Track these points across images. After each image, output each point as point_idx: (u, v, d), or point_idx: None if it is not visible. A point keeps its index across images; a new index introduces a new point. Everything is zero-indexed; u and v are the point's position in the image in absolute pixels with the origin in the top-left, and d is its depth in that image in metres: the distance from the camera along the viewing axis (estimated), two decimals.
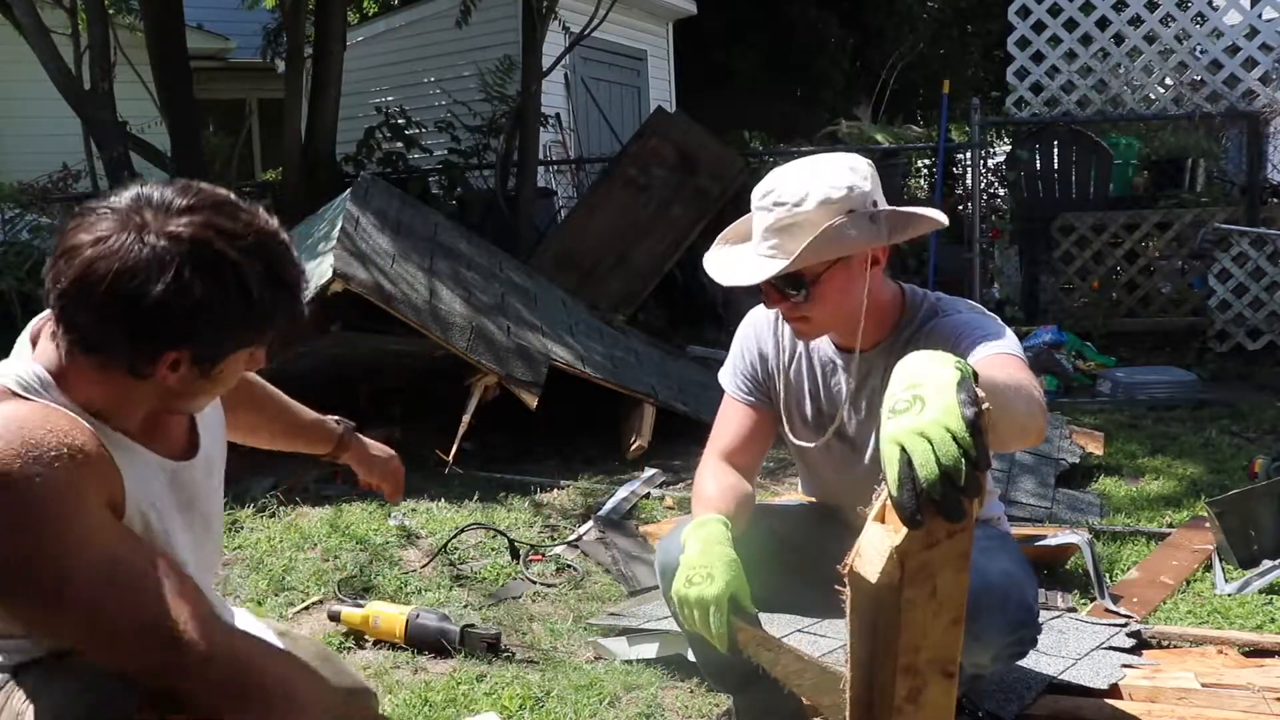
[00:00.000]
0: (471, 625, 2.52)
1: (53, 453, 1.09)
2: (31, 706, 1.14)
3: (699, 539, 1.60)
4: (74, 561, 1.08)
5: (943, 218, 1.74)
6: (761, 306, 1.95)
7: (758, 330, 1.95)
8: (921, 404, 1.09)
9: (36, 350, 1.22)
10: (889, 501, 1.09)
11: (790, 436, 1.96)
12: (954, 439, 1.05)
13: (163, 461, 1.28)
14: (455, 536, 3.20)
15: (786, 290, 1.70)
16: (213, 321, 1.15)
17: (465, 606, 2.77)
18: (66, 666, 1.18)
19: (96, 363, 1.17)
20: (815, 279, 1.68)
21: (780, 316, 1.90)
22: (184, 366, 1.18)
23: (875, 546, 1.12)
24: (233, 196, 1.21)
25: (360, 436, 1.86)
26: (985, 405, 1.10)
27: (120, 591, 1.11)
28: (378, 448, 1.89)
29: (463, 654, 2.43)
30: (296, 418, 1.81)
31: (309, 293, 3.91)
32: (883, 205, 1.69)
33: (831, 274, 1.69)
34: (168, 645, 1.11)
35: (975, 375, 1.15)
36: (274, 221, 1.23)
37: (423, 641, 2.47)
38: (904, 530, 1.07)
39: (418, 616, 2.49)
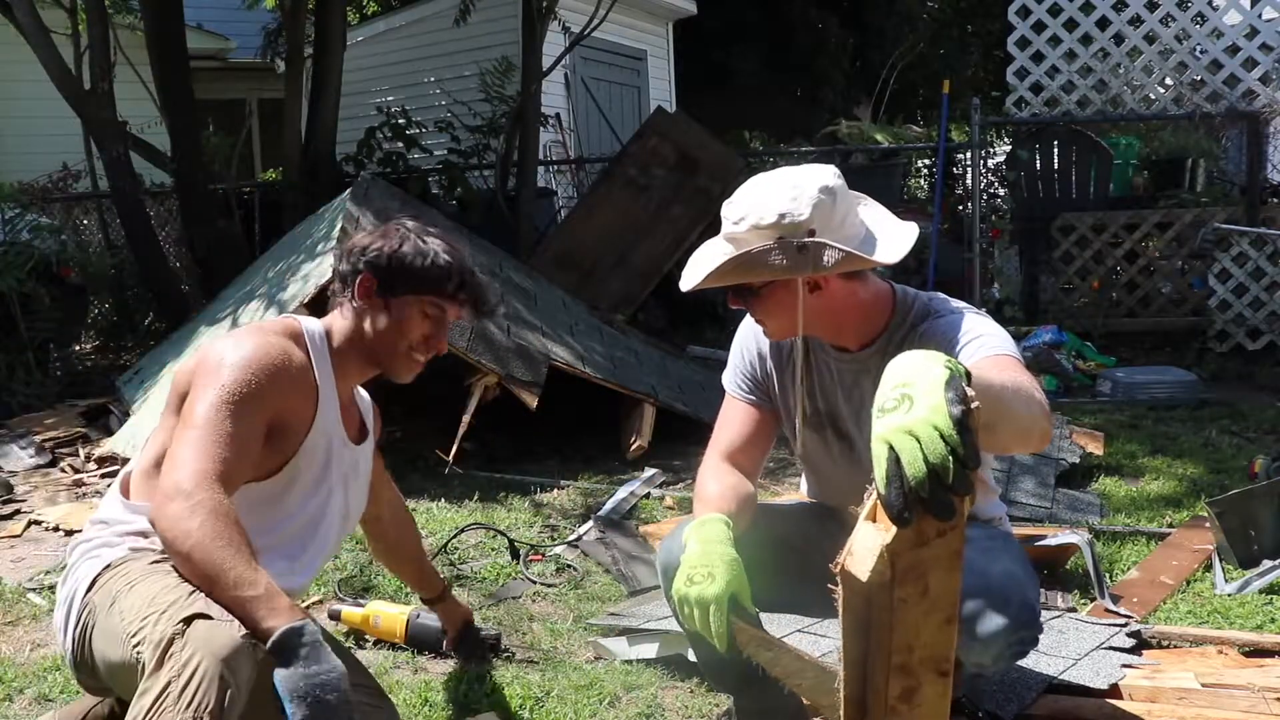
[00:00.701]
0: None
1: (275, 362, 1.66)
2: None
3: (700, 538, 1.60)
4: (223, 408, 1.57)
5: (890, 258, 1.67)
6: None
7: (757, 331, 1.96)
8: (910, 402, 1.09)
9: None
10: (878, 500, 1.09)
11: (790, 435, 1.96)
12: (942, 437, 1.05)
13: (343, 433, 1.85)
14: (455, 537, 3.20)
15: (737, 296, 1.78)
16: (391, 263, 1.79)
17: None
18: None
19: (343, 300, 1.83)
20: (755, 292, 1.74)
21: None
22: (371, 290, 1.79)
23: (866, 545, 1.12)
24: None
25: (449, 605, 2.40)
26: (975, 404, 1.10)
27: (210, 446, 1.52)
28: (462, 609, 2.42)
29: (464, 654, 2.42)
30: (424, 558, 2.40)
31: (307, 294, 3.88)
32: (826, 234, 1.64)
33: (770, 290, 1.73)
34: (174, 503, 1.45)
35: (968, 375, 1.15)
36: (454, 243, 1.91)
37: (423, 642, 2.46)
38: (894, 529, 1.07)
39: (418, 616, 2.47)
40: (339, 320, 1.83)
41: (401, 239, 1.82)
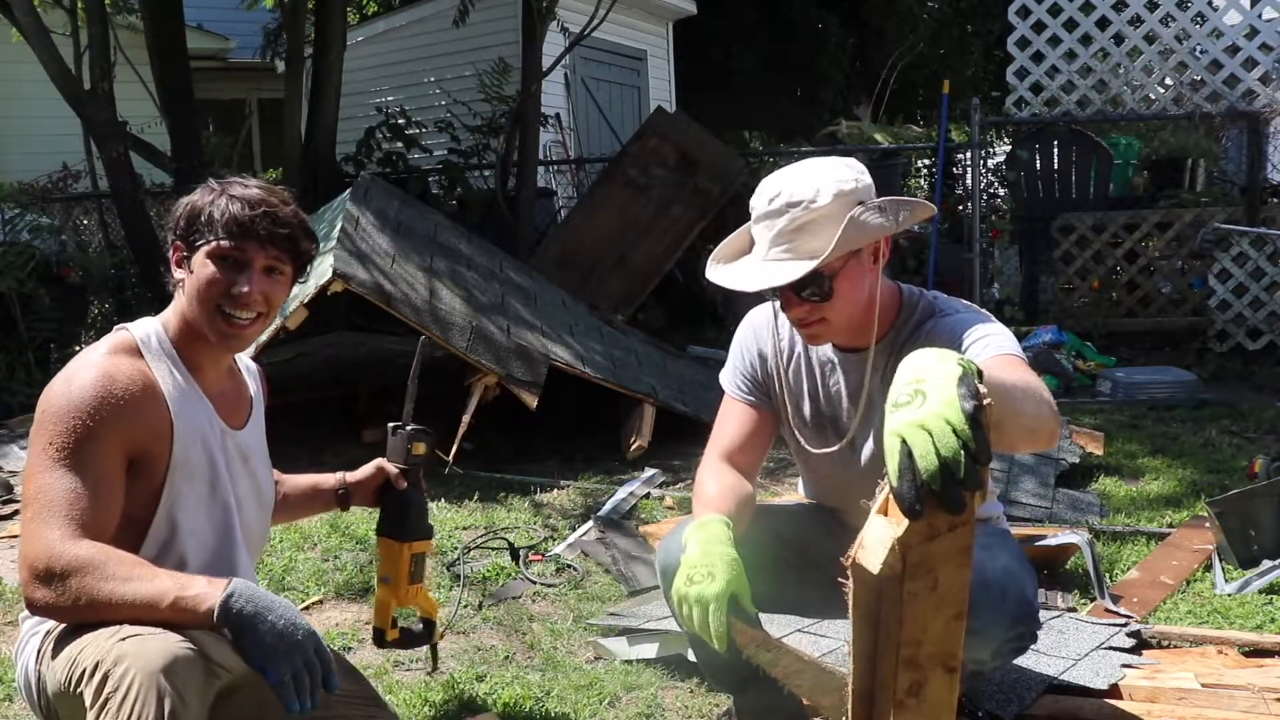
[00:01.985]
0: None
1: (99, 394, 1.51)
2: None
3: (700, 539, 1.60)
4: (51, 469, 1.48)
5: (933, 206, 1.78)
6: (760, 308, 1.95)
7: (757, 331, 1.96)
8: (923, 398, 1.10)
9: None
10: (890, 493, 1.10)
11: (790, 435, 1.96)
12: (954, 431, 1.07)
13: (223, 425, 1.69)
14: (466, 552, 3.19)
15: (808, 292, 1.70)
16: (183, 221, 1.63)
17: (465, 606, 2.77)
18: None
19: (175, 288, 1.66)
20: (833, 276, 1.69)
21: (777, 317, 1.91)
22: (181, 258, 1.63)
23: (877, 538, 1.13)
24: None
25: (352, 482, 2.01)
26: (987, 400, 1.11)
27: (56, 512, 1.44)
28: (367, 474, 2.00)
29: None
30: (312, 487, 2.05)
31: (307, 294, 3.87)
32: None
33: (847, 269, 1.70)
34: (40, 591, 1.42)
35: (980, 373, 1.16)
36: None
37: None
38: (905, 522, 1.08)
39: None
40: (169, 315, 1.67)
41: (192, 197, 1.65)
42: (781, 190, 1.69)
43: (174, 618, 1.37)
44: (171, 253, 1.66)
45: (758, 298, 1.82)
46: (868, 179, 1.71)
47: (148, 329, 1.65)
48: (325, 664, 1.38)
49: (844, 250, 1.66)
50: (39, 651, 1.52)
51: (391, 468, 1.96)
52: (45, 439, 1.49)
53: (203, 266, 1.60)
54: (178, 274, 1.65)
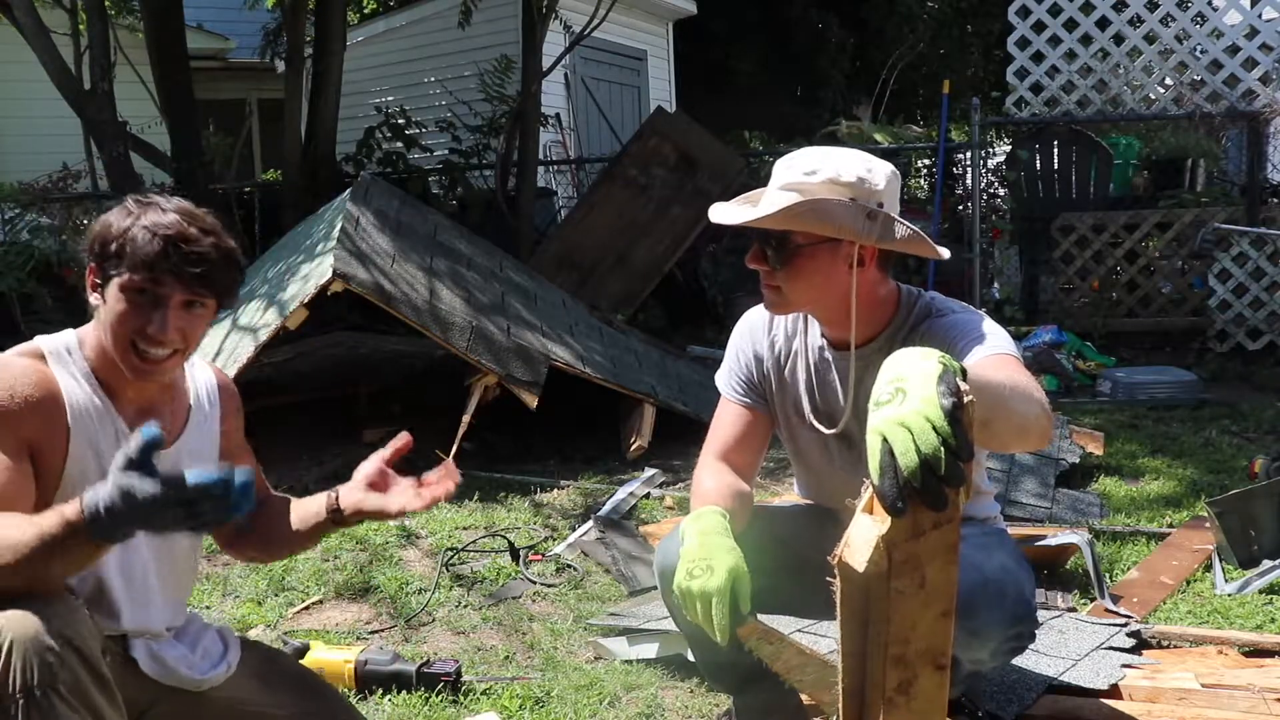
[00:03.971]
0: (427, 663, 2.31)
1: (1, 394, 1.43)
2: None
3: (696, 531, 1.60)
4: None
5: (944, 253, 1.74)
6: (757, 308, 1.95)
7: (753, 332, 1.95)
8: (903, 395, 1.11)
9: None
10: (873, 492, 1.10)
11: (787, 436, 1.96)
12: (933, 428, 1.07)
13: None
14: (456, 554, 3.20)
15: (767, 250, 1.72)
16: (97, 245, 1.50)
17: (465, 606, 2.77)
18: None
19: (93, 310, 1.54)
20: (796, 250, 1.69)
21: (774, 317, 1.91)
22: (95, 284, 1.51)
23: (863, 536, 1.13)
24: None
25: (345, 497, 1.67)
26: (968, 397, 1.12)
27: None
28: (359, 486, 1.68)
29: (423, 694, 2.25)
30: (303, 525, 1.73)
31: (307, 294, 3.86)
32: (892, 212, 1.69)
33: (814, 251, 1.69)
34: None
35: (963, 371, 1.17)
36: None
37: (376, 684, 2.27)
38: (890, 520, 1.09)
39: (365, 664, 2.28)
40: (89, 328, 1.56)
41: (105, 218, 1.51)
42: (798, 155, 1.72)
43: (46, 550, 1.27)
44: (87, 274, 1.53)
45: (754, 295, 1.83)
46: (880, 185, 1.68)
47: (60, 340, 1.55)
48: (207, 488, 1.23)
49: (789, 224, 1.66)
50: None
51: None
52: None
53: (116, 300, 1.48)
54: (93, 298, 1.52)
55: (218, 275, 1.51)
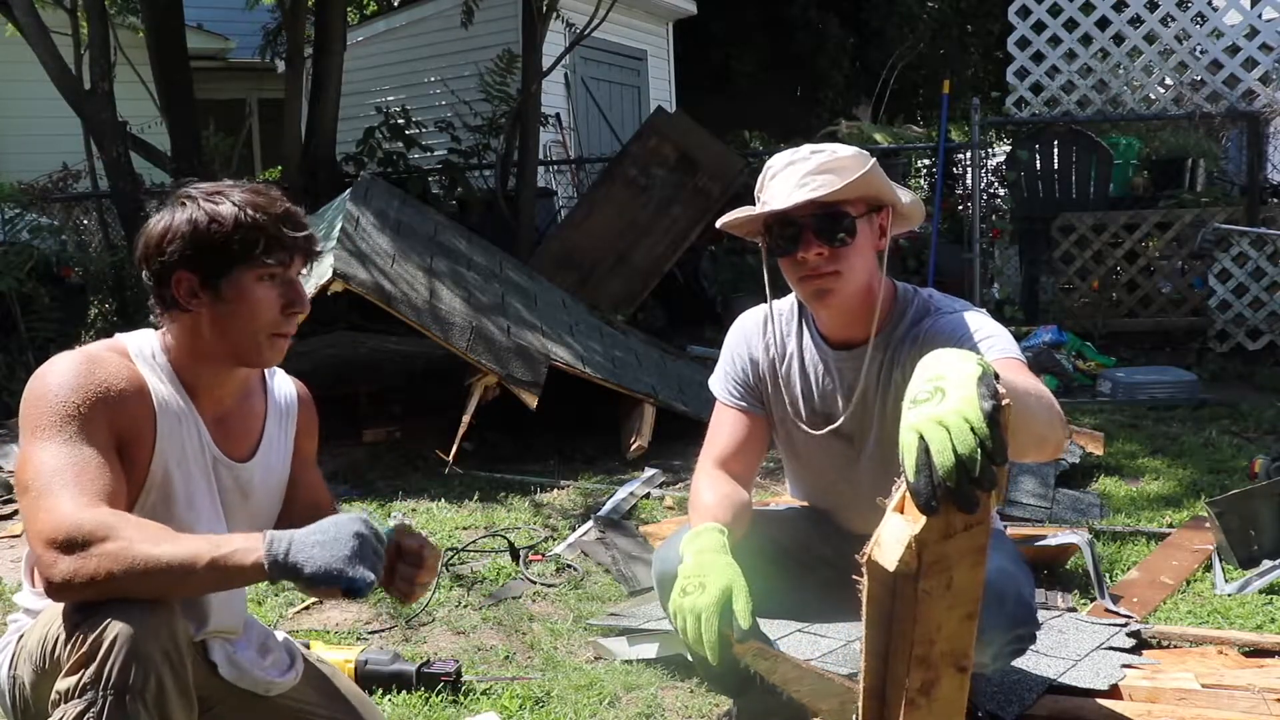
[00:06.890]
0: (427, 663, 2.31)
1: (99, 380, 1.42)
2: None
3: (694, 549, 1.59)
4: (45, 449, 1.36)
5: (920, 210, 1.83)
6: (751, 311, 1.94)
7: (747, 335, 1.94)
8: (942, 395, 1.10)
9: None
10: (907, 490, 1.10)
11: (784, 437, 1.95)
12: (971, 430, 1.07)
13: (218, 452, 1.55)
14: (457, 554, 3.20)
15: (834, 231, 1.68)
16: (199, 247, 1.45)
17: (465, 606, 2.77)
18: None
19: (163, 317, 1.51)
20: (853, 224, 1.70)
21: (769, 319, 1.90)
22: (195, 287, 1.47)
23: (894, 535, 1.13)
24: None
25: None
26: (1005, 401, 1.11)
27: (65, 486, 1.32)
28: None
29: (423, 694, 2.26)
30: None
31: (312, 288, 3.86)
32: None
33: (861, 228, 1.72)
34: (60, 563, 1.27)
35: (996, 374, 1.16)
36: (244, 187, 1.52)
37: (376, 684, 2.27)
38: (922, 520, 1.08)
39: (366, 664, 2.29)
40: (168, 337, 1.53)
41: (190, 217, 1.46)
42: (805, 149, 1.73)
43: (214, 579, 1.27)
44: (175, 285, 1.47)
45: (754, 295, 1.82)
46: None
47: (143, 340, 1.53)
48: (367, 541, 1.29)
49: (864, 190, 1.69)
50: (13, 657, 1.43)
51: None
52: (32, 426, 1.37)
53: (249, 292, 1.46)
54: (189, 304, 1.48)
55: (313, 234, 1.55)
